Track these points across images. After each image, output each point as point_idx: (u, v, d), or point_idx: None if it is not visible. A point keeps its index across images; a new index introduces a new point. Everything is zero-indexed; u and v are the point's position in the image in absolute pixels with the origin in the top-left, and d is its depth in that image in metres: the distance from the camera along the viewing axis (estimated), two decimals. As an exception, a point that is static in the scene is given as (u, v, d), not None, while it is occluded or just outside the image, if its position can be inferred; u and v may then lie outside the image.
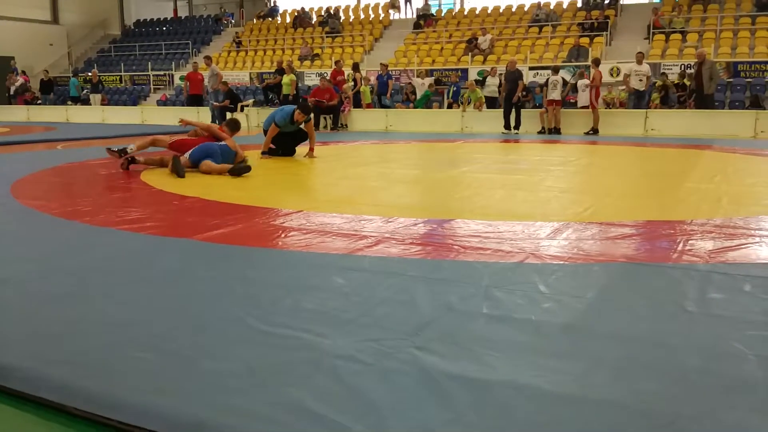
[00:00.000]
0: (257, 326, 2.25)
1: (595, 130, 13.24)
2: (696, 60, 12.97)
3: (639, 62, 13.32)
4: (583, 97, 13.73)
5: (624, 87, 14.32)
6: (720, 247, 3.41)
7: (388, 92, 16.68)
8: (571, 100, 14.88)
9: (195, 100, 16.66)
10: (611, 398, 1.73)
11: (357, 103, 15.85)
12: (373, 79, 16.56)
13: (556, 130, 13.51)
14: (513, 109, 13.65)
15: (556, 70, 13.75)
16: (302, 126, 8.45)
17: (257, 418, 1.62)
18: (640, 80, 13.23)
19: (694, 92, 13.17)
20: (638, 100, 13.58)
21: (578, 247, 3.44)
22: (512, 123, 13.72)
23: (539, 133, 13.65)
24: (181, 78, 21.79)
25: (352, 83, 15.98)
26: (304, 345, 2.08)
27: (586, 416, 1.64)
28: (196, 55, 23.53)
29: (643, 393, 1.76)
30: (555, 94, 13.43)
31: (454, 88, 16.28)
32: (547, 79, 13.74)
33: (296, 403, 1.69)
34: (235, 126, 7.73)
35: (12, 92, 21.76)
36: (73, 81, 20.41)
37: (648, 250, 3.40)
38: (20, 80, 21.85)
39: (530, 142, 11.63)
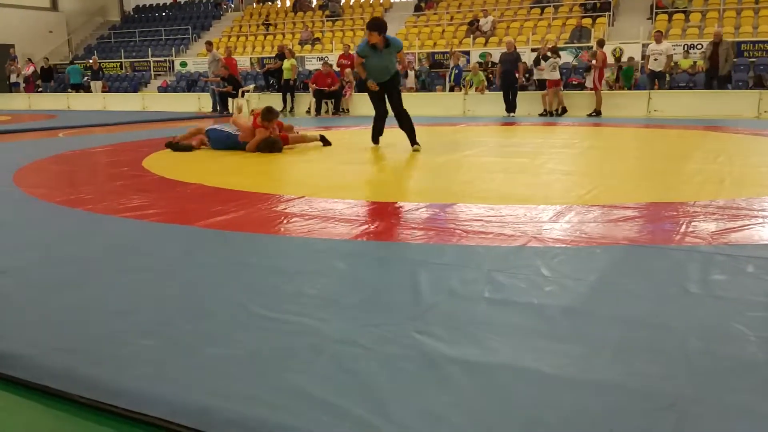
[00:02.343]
0: (259, 312, 2.25)
1: (597, 112, 13.17)
2: (712, 40, 12.76)
3: (658, 41, 13.04)
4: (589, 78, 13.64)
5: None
6: (723, 228, 3.39)
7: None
8: (573, 82, 14.79)
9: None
10: (612, 380, 1.73)
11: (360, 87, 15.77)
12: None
13: (563, 110, 13.43)
14: (510, 92, 13.60)
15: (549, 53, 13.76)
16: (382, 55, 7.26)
17: (259, 404, 1.62)
18: (655, 60, 12.92)
19: (707, 72, 12.97)
20: (658, 80, 13.11)
21: (580, 230, 3.43)
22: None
23: (541, 115, 13.60)
24: (182, 64, 21.73)
25: (354, 67, 15.91)
26: (306, 330, 2.09)
27: (587, 399, 1.64)
28: (196, 41, 23.43)
29: (645, 375, 1.76)
30: (555, 76, 13.37)
31: (456, 71, 16.18)
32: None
33: (298, 388, 1.70)
34: (268, 115, 7.53)
35: (21, 79, 21.84)
36: (75, 68, 20.31)
37: (650, 232, 3.39)
38: (32, 68, 21.90)
39: (532, 124, 11.57)
